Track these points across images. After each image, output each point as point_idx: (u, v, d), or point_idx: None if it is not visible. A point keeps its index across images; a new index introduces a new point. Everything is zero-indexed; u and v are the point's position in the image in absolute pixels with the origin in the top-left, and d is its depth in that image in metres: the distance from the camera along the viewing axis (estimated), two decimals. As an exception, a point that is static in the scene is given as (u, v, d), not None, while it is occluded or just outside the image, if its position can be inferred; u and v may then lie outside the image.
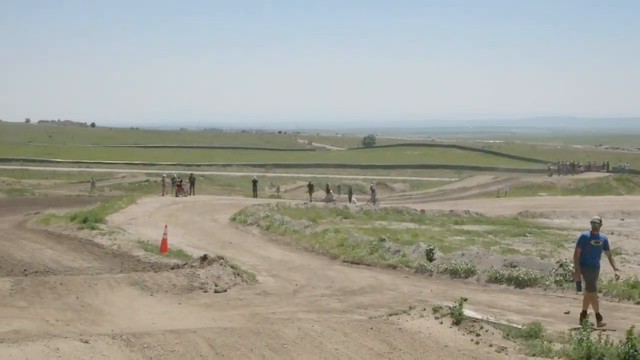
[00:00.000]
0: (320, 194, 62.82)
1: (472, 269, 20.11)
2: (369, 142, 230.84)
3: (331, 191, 59.27)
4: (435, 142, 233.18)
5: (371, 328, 12.12)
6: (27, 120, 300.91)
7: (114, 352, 9.94)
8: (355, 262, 23.56)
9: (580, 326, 12.54)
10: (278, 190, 78.66)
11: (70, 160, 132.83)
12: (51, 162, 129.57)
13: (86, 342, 10.25)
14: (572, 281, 16.38)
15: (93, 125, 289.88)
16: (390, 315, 13.15)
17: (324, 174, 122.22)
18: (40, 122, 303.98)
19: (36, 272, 19.35)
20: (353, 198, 61.09)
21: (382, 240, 25.18)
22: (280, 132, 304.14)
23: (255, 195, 58.80)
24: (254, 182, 60.83)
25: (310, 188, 58.93)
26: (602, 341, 10.79)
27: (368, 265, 22.96)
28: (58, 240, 28.30)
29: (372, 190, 63.97)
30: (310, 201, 52.60)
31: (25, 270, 19.61)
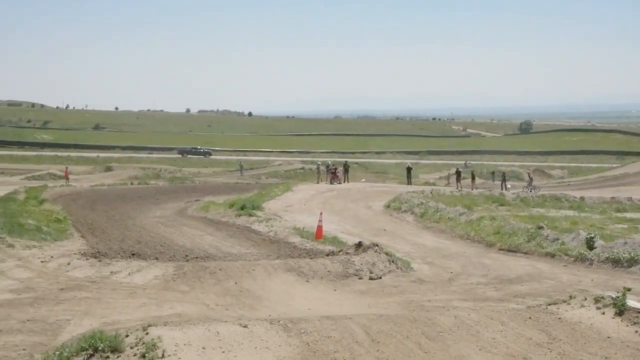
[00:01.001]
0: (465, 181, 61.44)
1: (636, 257, 19.25)
2: (525, 128, 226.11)
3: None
4: (596, 127, 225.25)
5: (529, 317, 11.84)
6: (188, 111, 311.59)
7: (272, 336, 10.13)
8: (512, 250, 23.08)
9: None
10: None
11: (228, 149, 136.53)
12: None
13: (245, 326, 10.48)
14: None
15: (250, 114, 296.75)
16: (549, 304, 12.80)
17: (479, 161, 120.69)
18: (199, 112, 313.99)
19: (197, 257, 19.91)
20: (508, 185, 59.97)
21: (540, 228, 24.51)
22: (434, 119, 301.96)
23: (409, 183, 58.65)
24: (408, 169, 60.66)
25: (458, 175, 57.97)
26: None
27: (525, 253, 22.42)
28: (217, 227, 29.07)
29: (530, 177, 62.64)
30: (457, 189, 51.91)
31: (186, 255, 20.22)
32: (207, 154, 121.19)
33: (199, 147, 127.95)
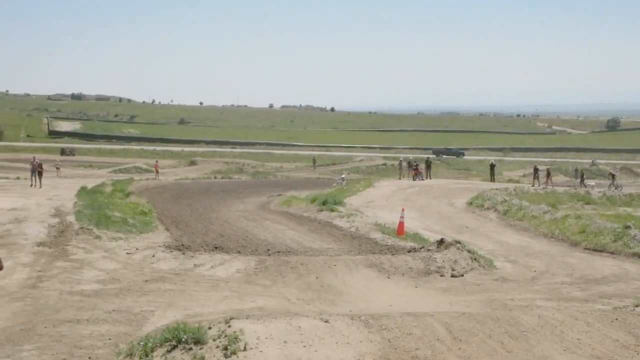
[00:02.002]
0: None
1: None
2: (612, 125, 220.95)
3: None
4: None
5: (616, 319, 11.55)
6: (271, 106, 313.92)
7: (353, 332, 10.11)
8: (598, 250, 22.57)
9: None
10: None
11: (311, 144, 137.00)
12: (293, 145, 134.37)
13: (326, 321, 10.49)
14: None
15: (332, 109, 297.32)
16: (637, 306, 12.52)
17: (564, 158, 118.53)
18: (282, 107, 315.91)
19: (278, 252, 20.05)
20: (592, 183, 58.73)
21: (627, 227, 23.87)
22: (518, 116, 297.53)
23: (492, 180, 57.95)
24: (492, 166, 59.93)
25: (535, 172, 56.85)
26: None
27: (611, 253, 21.91)
28: (299, 221, 29.21)
29: (612, 176, 61.24)
30: (533, 186, 51.03)
31: (268, 249, 20.38)
32: (460, 154, 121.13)
33: (451, 147, 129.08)
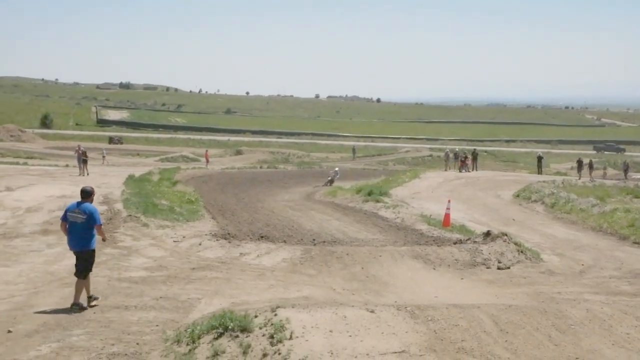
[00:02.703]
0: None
1: None
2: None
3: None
4: None
5: (666, 314, 11.41)
6: (317, 96, 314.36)
7: (399, 322, 10.10)
8: (647, 244, 22.29)
9: None
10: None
11: (356, 135, 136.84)
12: (338, 136, 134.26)
13: (372, 311, 10.50)
14: None
15: (378, 100, 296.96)
16: (687, 301, 12.31)
17: (612, 151, 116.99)
18: (328, 97, 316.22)
19: (324, 241, 20.08)
20: (638, 176, 57.87)
21: (677, 221, 23.57)
22: (567, 108, 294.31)
23: (539, 172, 57.42)
24: (539, 158, 59.36)
25: (579, 164, 56.08)
26: None
27: (661, 247, 21.63)
28: (344, 212, 29.19)
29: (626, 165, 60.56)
30: (579, 178, 50.45)
31: (314, 239, 20.42)
32: (620, 150, 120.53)
33: (612, 142, 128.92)
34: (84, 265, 12.13)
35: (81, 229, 12.12)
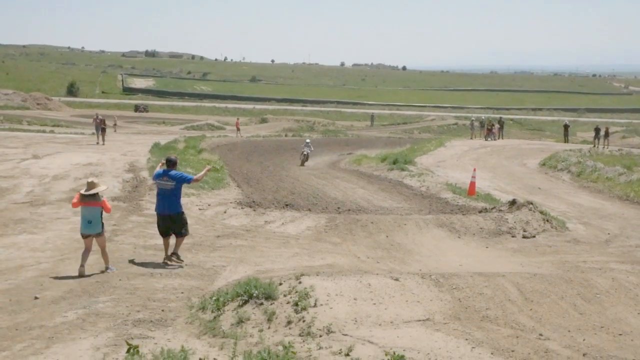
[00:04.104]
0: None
1: None
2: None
3: None
4: None
5: (693, 283, 11.33)
6: (342, 64, 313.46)
7: (423, 290, 10.11)
8: (675, 213, 22.11)
9: None
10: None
11: (382, 103, 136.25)
12: (363, 104, 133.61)
13: (396, 279, 10.51)
14: None
15: (404, 68, 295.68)
16: None
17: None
18: (354, 65, 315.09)
19: (348, 210, 20.09)
20: None
21: None
22: (594, 76, 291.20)
23: (566, 141, 56.95)
24: (566, 126, 58.84)
25: (597, 132, 55.23)
26: None
27: (688, 216, 21.44)
28: (369, 180, 29.18)
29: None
30: (594, 146, 49.95)
31: (338, 208, 20.43)
32: None
33: None
34: (180, 224, 13.29)
35: (170, 195, 13.15)
